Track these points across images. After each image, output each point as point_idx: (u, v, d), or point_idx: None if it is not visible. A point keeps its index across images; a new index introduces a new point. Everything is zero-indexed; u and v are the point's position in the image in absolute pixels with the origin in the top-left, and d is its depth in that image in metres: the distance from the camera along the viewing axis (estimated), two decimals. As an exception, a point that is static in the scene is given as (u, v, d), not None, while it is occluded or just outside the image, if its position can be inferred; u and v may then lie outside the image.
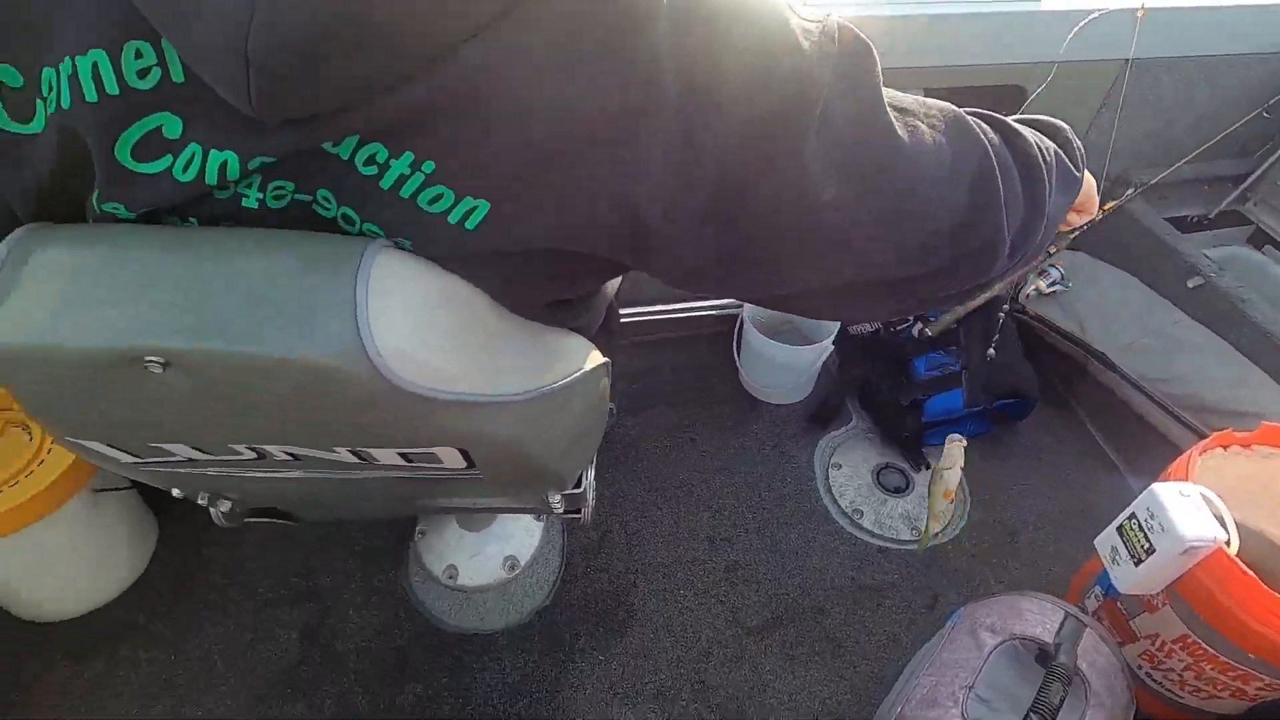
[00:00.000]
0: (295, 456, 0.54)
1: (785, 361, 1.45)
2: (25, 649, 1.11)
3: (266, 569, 1.22)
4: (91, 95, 0.39)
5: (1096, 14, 1.20)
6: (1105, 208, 0.81)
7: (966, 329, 1.39)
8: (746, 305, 1.48)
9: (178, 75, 0.39)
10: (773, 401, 1.55)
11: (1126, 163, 1.45)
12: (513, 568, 1.23)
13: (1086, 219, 0.73)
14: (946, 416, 1.40)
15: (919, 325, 1.35)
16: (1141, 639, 1.00)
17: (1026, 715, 0.76)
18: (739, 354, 1.52)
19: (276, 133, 0.39)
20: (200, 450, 0.53)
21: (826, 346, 1.44)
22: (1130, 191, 1.20)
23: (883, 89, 0.45)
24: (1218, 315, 1.31)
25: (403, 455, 0.54)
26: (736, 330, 1.51)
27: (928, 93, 0.54)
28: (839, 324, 1.44)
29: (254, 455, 0.54)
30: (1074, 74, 1.26)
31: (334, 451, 0.53)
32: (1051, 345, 1.49)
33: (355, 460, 0.54)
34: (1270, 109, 1.41)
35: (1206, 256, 1.38)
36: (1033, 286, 1.47)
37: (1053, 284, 1.46)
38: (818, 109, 0.42)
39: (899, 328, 1.43)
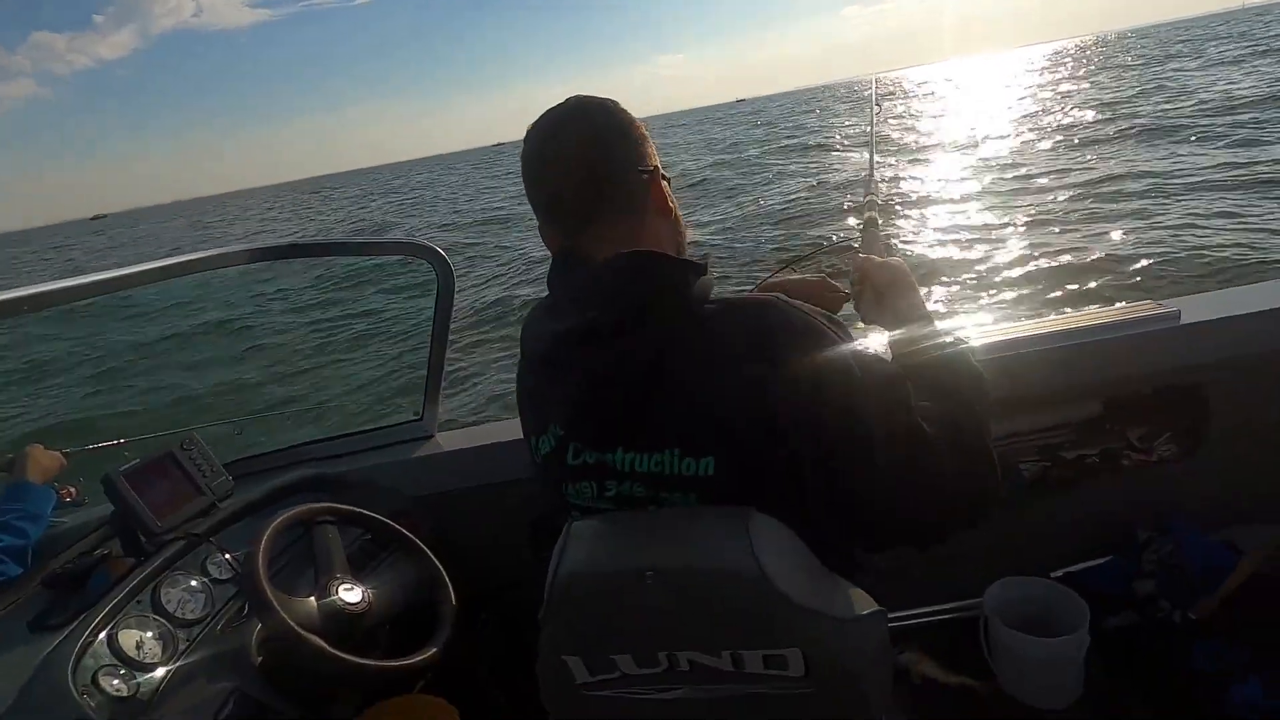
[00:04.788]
0: (691, 667, 0.74)
1: (1046, 658, 1.29)
2: None
3: None
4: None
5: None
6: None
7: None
8: (988, 599, 1.39)
9: None
10: (1040, 706, 1.35)
11: None
12: None
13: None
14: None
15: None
16: None
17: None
18: (990, 655, 1.38)
19: None
20: (636, 662, 0.75)
21: (1084, 638, 1.29)
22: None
23: None
24: None
25: (765, 659, 0.71)
26: (982, 630, 1.38)
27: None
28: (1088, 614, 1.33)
29: (665, 666, 0.75)
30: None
31: (719, 657, 0.72)
32: None
33: (730, 669, 0.73)
34: None
35: None
36: None
37: None
38: None
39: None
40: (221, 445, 1.66)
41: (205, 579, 1.18)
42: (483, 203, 22.50)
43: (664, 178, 0.85)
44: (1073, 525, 1.51)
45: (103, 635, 1.02)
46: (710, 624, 0.71)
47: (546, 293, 0.85)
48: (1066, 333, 1.41)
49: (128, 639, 1.03)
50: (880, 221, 1.16)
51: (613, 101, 0.84)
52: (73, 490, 1.39)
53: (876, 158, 1.37)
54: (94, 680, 0.95)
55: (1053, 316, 1.53)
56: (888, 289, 0.93)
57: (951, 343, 0.86)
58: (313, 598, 1.05)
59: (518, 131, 0.92)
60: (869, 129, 1.30)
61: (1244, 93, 13.65)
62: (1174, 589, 1.39)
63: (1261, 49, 22.96)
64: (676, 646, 0.73)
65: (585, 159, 0.79)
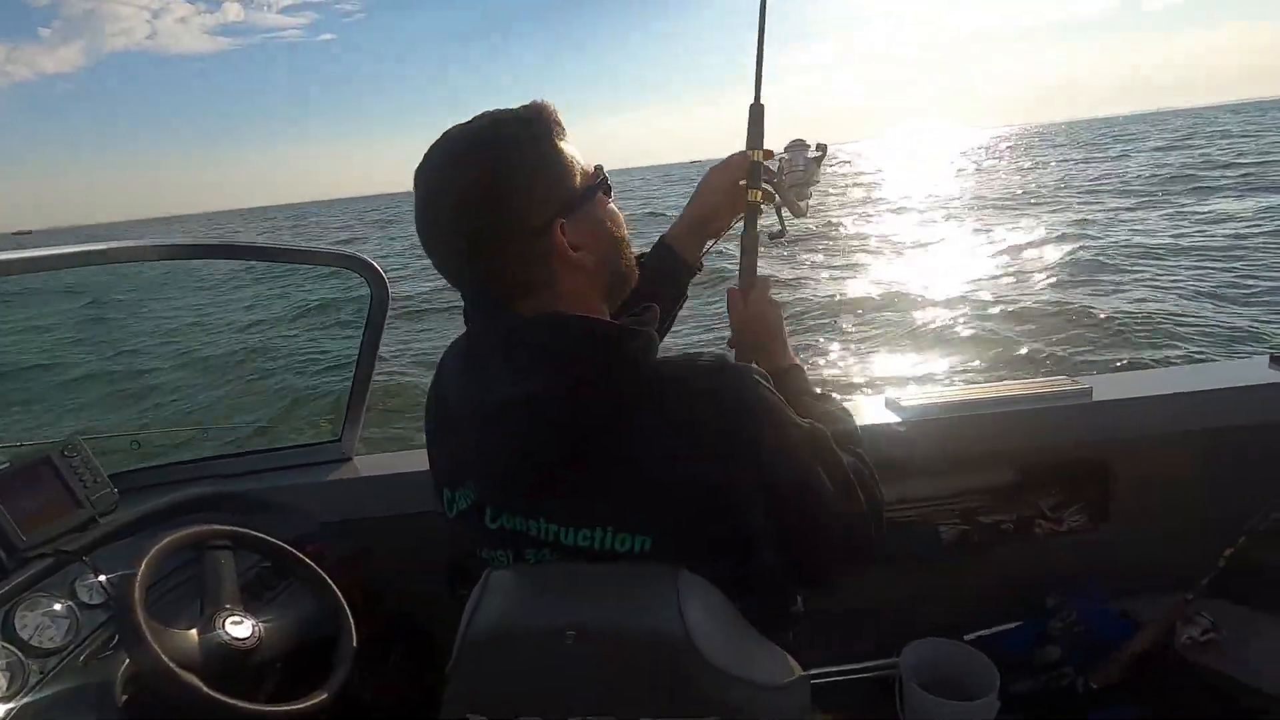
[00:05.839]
0: None
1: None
2: None
3: None
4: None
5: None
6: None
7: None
8: (903, 659, 1.39)
9: None
10: None
11: None
12: None
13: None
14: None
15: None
16: None
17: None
18: (903, 716, 1.38)
19: None
20: None
21: (993, 703, 1.31)
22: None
23: None
24: None
25: None
26: (898, 690, 1.38)
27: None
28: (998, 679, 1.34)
29: None
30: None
31: None
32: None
33: None
34: None
35: None
36: (1185, 636, 1.38)
37: (1205, 632, 1.38)
38: None
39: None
40: (113, 455, 1.52)
41: (71, 603, 1.05)
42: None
43: (602, 190, 0.74)
44: (987, 589, 1.55)
45: None
46: (631, 689, 0.67)
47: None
48: (988, 401, 1.46)
49: None
50: (766, 209, 0.87)
51: (499, 124, 0.70)
52: None
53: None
54: None
55: (975, 385, 1.58)
56: (754, 350, 0.94)
57: (834, 399, 0.91)
58: (194, 630, 0.95)
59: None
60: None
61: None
62: (1077, 656, 1.43)
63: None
64: (593, 711, 0.68)
65: (467, 229, 0.68)
